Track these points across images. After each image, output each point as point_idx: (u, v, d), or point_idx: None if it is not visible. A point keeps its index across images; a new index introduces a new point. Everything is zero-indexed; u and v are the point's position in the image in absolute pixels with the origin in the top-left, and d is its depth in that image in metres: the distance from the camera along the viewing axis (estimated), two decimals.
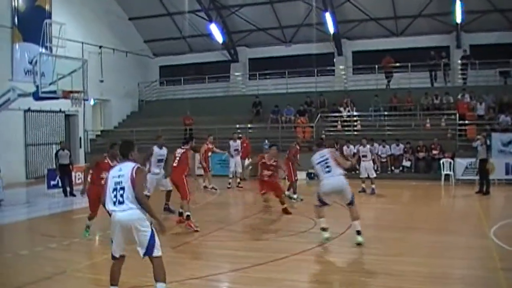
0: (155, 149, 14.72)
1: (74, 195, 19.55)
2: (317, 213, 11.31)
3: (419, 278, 8.41)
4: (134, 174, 6.99)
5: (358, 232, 10.70)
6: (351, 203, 11.02)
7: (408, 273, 8.71)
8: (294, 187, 17.95)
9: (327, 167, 11.01)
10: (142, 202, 6.94)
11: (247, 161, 22.61)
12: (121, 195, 6.96)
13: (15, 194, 20.47)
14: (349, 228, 12.54)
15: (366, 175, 19.17)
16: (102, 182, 8.78)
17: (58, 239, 11.99)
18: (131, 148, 7.46)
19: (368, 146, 19.64)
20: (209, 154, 21.47)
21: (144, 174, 7.71)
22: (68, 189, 20.13)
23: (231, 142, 23.15)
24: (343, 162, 11.43)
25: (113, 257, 7.31)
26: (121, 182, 6.99)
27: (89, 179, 11.96)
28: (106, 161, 11.70)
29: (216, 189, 20.85)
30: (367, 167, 19.13)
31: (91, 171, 11.95)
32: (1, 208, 17.71)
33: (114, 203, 6.99)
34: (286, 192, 17.38)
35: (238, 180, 22.34)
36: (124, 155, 7.42)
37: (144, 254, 7.02)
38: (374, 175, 19.31)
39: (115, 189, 7.02)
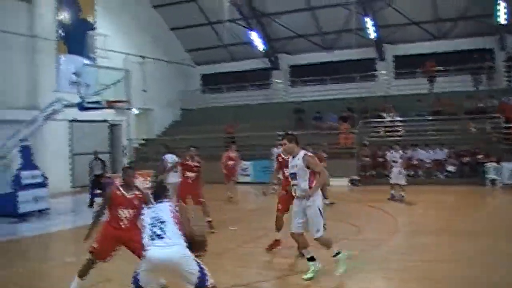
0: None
1: None
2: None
3: (465, 285, 8.30)
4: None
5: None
6: None
7: (455, 280, 8.59)
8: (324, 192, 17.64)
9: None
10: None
11: None
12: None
13: (61, 203, 20.86)
14: (395, 234, 12.47)
15: (396, 181, 18.87)
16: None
17: None
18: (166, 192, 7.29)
19: (400, 152, 19.31)
20: (230, 163, 21.09)
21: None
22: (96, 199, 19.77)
23: (273, 149, 23.15)
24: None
25: None
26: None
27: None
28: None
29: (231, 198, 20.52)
30: (397, 173, 18.80)
31: None
32: (47, 217, 18.06)
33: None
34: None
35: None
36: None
37: None
38: (403, 182, 18.86)
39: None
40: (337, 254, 8.90)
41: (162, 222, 6.50)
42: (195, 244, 6.61)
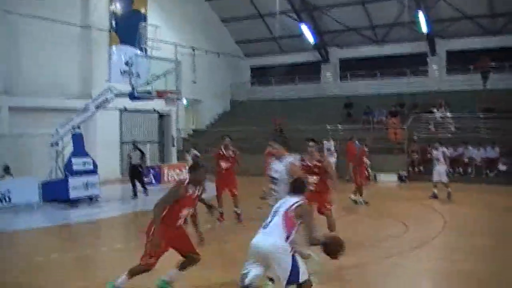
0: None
1: (147, 195, 19.74)
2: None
3: None
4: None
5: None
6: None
7: (502, 283, 8.46)
8: (360, 190, 17.46)
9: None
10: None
11: None
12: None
13: (111, 190, 21.19)
14: (441, 232, 12.31)
15: (439, 179, 18.45)
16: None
17: None
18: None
19: (440, 149, 18.73)
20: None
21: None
22: (141, 189, 20.12)
23: (324, 142, 23.10)
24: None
25: None
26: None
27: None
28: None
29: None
30: (440, 171, 18.32)
31: None
32: (97, 204, 18.41)
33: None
34: (352, 196, 17.15)
35: None
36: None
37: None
38: (446, 179, 18.36)
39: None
40: None
41: (275, 213, 6.64)
42: (328, 247, 6.67)
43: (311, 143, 10.84)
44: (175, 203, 7.37)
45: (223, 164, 13.81)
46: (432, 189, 18.39)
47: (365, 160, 18.96)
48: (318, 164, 10.60)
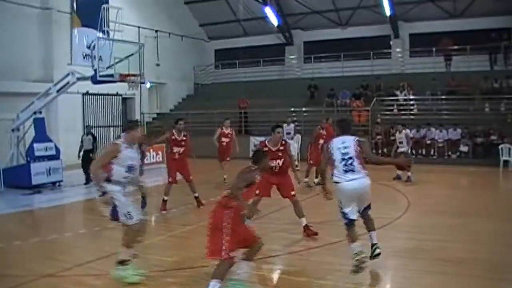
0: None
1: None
2: (350, 237, 8.08)
3: (478, 266, 8.27)
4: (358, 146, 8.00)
5: (376, 246, 8.24)
6: (369, 208, 8.33)
7: (467, 260, 8.56)
8: (308, 171, 17.59)
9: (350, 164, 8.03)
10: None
11: None
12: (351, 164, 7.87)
13: (74, 175, 20.92)
14: (406, 213, 12.46)
15: None
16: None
17: None
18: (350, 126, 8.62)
19: (404, 132, 18.80)
20: (224, 140, 18.65)
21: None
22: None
23: (284, 125, 23.12)
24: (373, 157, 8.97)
25: (351, 220, 7.97)
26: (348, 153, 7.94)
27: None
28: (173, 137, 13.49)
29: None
30: (404, 154, 18.40)
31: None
32: (60, 189, 18.22)
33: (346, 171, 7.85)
34: (316, 180, 17.16)
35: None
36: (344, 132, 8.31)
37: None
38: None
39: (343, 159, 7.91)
40: None
41: (346, 155, 7.96)
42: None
43: (279, 129, 11.07)
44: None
45: (176, 149, 13.56)
46: (396, 171, 18.50)
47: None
48: (281, 148, 10.80)
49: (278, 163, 10.60)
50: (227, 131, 18.71)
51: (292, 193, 10.66)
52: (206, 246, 6.84)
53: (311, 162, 17.63)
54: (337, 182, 7.96)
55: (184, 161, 13.80)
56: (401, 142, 18.60)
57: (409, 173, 18.02)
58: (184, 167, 13.75)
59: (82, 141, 19.64)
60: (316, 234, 10.22)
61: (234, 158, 18.41)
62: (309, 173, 17.56)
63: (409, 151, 18.93)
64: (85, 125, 25.15)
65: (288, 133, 22.52)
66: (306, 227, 10.37)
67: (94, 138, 20.15)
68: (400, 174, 18.46)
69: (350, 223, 7.95)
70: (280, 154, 10.69)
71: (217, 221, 6.74)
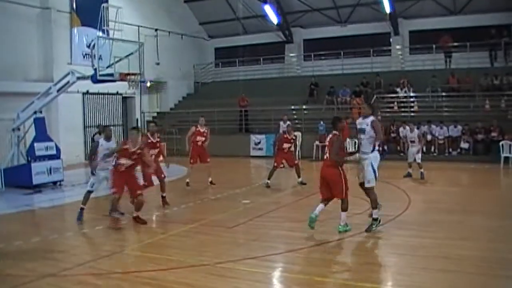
0: (102, 141, 12.64)
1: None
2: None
3: (478, 263, 8.29)
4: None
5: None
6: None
7: (467, 257, 8.58)
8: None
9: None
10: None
11: None
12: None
13: (75, 174, 20.96)
14: (406, 210, 12.48)
15: (413, 160, 18.51)
16: None
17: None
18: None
19: (416, 131, 18.89)
20: (199, 139, 17.34)
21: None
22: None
23: (280, 123, 23.09)
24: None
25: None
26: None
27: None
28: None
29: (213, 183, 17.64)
30: (414, 152, 18.44)
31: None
32: (61, 188, 18.24)
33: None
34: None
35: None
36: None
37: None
38: (420, 160, 18.44)
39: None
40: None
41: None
42: None
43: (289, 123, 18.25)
44: None
45: (151, 151, 13.21)
46: (407, 169, 18.61)
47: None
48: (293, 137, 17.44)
49: (289, 146, 17.25)
50: (202, 129, 17.45)
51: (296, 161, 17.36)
52: (326, 194, 10.38)
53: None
54: None
55: (157, 162, 13.73)
56: (413, 141, 18.57)
57: (421, 170, 18.09)
58: (158, 168, 13.72)
59: (93, 140, 19.55)
60: None
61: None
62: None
63: (421, 149, 18.88)
64: (84, 125, 25.24)
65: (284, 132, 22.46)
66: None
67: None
68: (410, 172, 18.50)
69: None
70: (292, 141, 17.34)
71: (332, 177, 10.26)
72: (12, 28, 23.86)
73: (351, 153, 11.29)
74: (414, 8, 31.34)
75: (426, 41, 30.54)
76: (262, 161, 24.91)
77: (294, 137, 17.77)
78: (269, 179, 16.92)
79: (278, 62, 36.58)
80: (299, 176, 17.18)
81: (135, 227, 11.56)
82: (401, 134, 20.96)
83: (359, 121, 10.72)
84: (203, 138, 17.38)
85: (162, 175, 13.86)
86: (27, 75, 24.45)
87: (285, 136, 17.29)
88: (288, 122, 20.45)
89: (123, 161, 11.38)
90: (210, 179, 17.54)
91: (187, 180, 17.34)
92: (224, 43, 38.44)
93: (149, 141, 13.60)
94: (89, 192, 12.44)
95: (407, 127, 19.18)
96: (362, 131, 10.47)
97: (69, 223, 12.70)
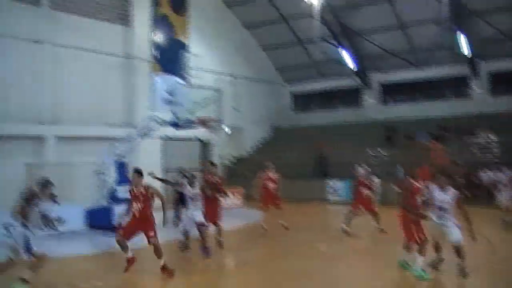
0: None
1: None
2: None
3: None
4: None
5: None
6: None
7: None
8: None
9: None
10: None
11: None
12: None
13: (155, 217, 21.30)
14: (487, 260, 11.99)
15: (508, 204, 17.36)
16: None
17: (196, 262, 12.38)
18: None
19: (508, 173, 17.81)
20: (271, 185, 17.45)
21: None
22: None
23: (359, 168, 22.93)
24: None
25: None
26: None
27: None
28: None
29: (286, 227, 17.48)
30: (507, 196, 17.36)
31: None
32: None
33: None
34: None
35: None
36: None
37: None
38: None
39: None
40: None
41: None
42: None
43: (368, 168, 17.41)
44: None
45: (134, 205, 11.61)
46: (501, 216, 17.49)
47: None
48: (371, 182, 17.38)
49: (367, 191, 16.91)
50: (272, 174, 17.62)
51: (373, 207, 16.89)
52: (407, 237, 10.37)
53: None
54: None
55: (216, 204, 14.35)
56: (505, 185, 17.74)
57: None
58: (215, 209, 14.29)
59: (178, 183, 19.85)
60: None
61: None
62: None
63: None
64: (164, 169, 25.76)
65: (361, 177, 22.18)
66: None
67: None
68: (505, 218, 17.33)
69: None
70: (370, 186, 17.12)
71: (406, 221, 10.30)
72: (97, 75, 25.05)
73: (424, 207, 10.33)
74: (493, 49, 30.68)
75: (508, 82, 29.80)
76: (338, 206, 24.71)
77: (371, 182, 17.60)
78: (346, 224, 16.73)
79: (354, 106, 36.50)
80: (377, 222, 16.91)
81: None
82: (483, 179, 20.28)
83: (438, 197, 9.91)
84: (273, 183, 17.48)
85: (217, 221, 14.22)
86: (110, 120, 25.43)
87: (363, 181, 17.14)
88: (367, 167, 20.21)
89: (134, 206, 11.35)
90: (282, 223, 17.49)
91: (262, 224, 17.36)
92: (301, 88, 38.76)
93: (209, 180, 14.07)
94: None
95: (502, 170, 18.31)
96: (444, 210, 9.84)
97: (147, 265, 12.92)
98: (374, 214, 16.97)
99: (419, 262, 10.04)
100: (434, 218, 9.90)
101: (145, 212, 11.33)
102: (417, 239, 10.10)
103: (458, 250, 9.89)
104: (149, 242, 11.23)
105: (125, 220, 11.48)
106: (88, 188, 19.77)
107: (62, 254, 14.09)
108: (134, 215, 11.31)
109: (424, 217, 10.11)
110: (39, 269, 9.52)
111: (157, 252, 11.18)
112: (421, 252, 10.09)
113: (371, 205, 17.26)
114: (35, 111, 23.19)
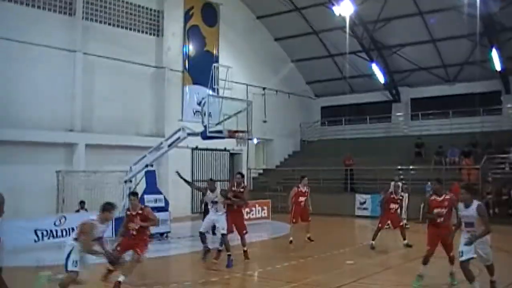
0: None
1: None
2: None
3: None
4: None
5: None
6: None
7: None
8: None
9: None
10: None
11: None
12: None
13: (181, 227, 21.47)
14: None
15: None
16: None
17: (220, 272, 12.43)
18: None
19: None
20: (302, 199, 17.30)
21: None
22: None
23: (391, 183, 22.76)
24: None
25: None
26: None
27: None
28: None
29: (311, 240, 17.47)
30: None
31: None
32: (167, 240, 18.71)
33: None
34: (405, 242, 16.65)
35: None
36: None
37: None
38: None
39: None
40: None
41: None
42: None
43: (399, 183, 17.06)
44: None
45: (132, 225, 11.42)
46: None
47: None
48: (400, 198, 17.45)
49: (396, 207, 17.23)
50: (303, 189, 17.41)
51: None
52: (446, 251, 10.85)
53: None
54: None
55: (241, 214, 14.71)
56: None
57: None
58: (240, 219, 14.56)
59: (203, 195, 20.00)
60: None
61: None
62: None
63: None
64: (193, 179, 25.93)
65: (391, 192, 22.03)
66: None
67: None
68: None
69: None
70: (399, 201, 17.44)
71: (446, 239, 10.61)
72: (128, 85, 25.36)
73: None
74: None
75: None
76: (366, 221, 24.58)
77: (401, 197, 17.49)
78: (373, 240, 16.62)
79: (384, 121, 36.29)
80: (404, 238, 16.76)
81: (238, 283, 11.63)
82: None
83: (463, 213, 9.75)
84: (305, 198, 17.37)
85: (244, 231, 14.30)
86: (140, 129, 25.73)
87: (392, 196, 17.04)
88: (396, 183, 20.03)
89: (131, 225, 11.31)
90: (308, 235, 17.43)
91: (291, 239, 17.19)
92: (331, 101, 38.66)
93: (233, 189, 14.27)
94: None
95: None
96: (470, 224, 9.61)
97: (173, 274, 13.01)
98: (402, 230, 16.88)
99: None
100: (462, 234, 9.76)
101: (141, 231, 11.38)
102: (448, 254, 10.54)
103: (488, 268, 9.82)
104: (133, 258, 11.10)
105: (120, 239, 11.51)
106: (117, 196, 19.96)
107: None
108: (132, 234, 11.32)
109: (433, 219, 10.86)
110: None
111: (130, 268, 10.94)
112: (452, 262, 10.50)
113: (399, 221, 17.20)
114: (66, 119, 23.51)
